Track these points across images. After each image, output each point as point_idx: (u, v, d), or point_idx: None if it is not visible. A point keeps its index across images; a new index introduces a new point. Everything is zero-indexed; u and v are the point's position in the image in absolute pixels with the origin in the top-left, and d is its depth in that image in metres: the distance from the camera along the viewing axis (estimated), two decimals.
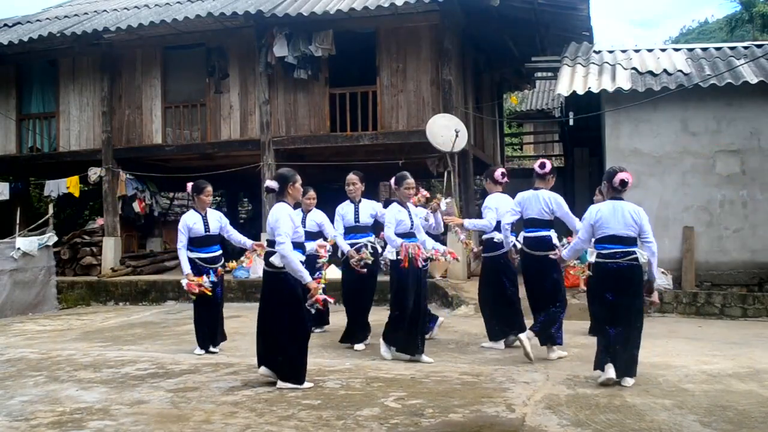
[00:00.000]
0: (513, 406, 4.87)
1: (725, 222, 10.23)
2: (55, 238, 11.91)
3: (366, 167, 12.72)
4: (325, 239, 7.13)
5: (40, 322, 10.15)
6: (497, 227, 6.96)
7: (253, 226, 15.88)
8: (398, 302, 6.44)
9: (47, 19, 14.59)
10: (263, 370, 5.64)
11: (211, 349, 7.08)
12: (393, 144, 12.30)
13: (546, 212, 6.65)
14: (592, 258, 5.65)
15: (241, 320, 9.43)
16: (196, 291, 6.75)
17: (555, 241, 6.61)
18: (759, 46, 11.33)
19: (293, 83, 12.38)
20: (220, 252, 7.13)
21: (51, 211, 12.38)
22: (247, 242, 6.98)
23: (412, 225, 6.50)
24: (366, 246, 7.29)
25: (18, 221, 12.17)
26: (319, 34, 11.88)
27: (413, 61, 11.99)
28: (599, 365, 5.50)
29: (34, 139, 14.20)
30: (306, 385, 5.48)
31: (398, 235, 6.44)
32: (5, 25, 14.48)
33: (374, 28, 12.12)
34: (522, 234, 6.74)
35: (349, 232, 7.42)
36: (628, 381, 5.43)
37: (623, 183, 5.54)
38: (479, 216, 7.76)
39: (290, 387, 5.42)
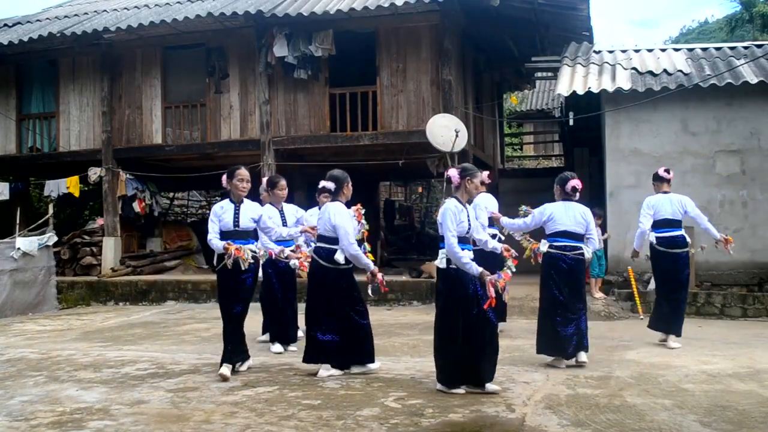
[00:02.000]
0: (513, 406, 4.87)
1: (725, 222, 10.22)
2: (55, 238, 11.91)
3: (366, 167, 12.77)
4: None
5: (40, 322, 10.15)
6: (490, 224, 7.36)
7: None
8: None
9: (47, 19, 14.59)
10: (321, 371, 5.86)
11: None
12: (393, 144, 12.30)
13: (679, 213, 7.31)
14: (544, 248, 6.30)
15: None
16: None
17: (688, 239, 7.32)
18: (759, 46, 11.33)
19: (293, 83, 12.38)
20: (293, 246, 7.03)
21: (51, 211, 12.38)
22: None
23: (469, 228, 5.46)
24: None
25: (18, 221, 12.18)
26: (319, 34, 11.88)
27: (413, 61, 11.99)
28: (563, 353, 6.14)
29: (34, 139, 14.20)
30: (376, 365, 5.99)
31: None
32: (5, 25, 14.48)
33: (374, 28, 12.12)
34: (654, 234, 7.34)
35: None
36: (583, 356, 6.19)
37: (574, 189, 6.33)
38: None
39: (363, 370, 5.89)
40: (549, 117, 22.26)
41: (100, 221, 13.89)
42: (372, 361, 5.98)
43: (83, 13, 14.47)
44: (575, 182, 6.33)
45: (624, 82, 10.39)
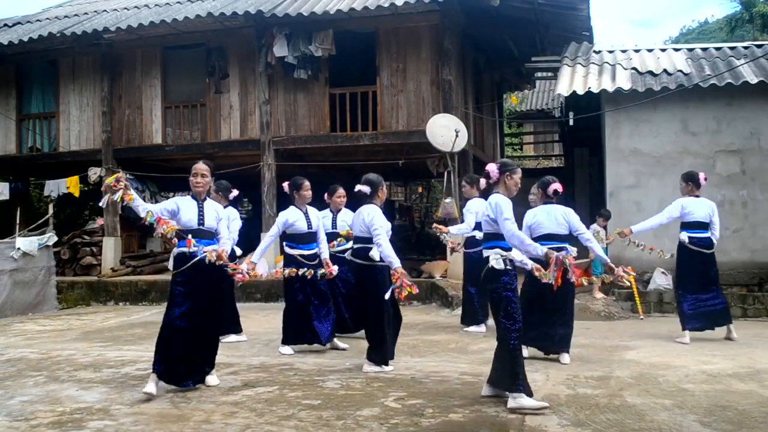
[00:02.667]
0: None
1: (725, 222, 10.18)
2: (55, 238, 11.91)
3: (366, 167, 12.77)
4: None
5: (40, 322, 10.14)
6: (477, 227, 7.52)
7: (253, 226, 15.87)
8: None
9: (47, 19, 14.59)
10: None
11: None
12: (393, 144, 12.30)
13: (709, 216, 7.75)
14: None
15: (242, 320, 9.42)
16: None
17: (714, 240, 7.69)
18: (759, 46, 11.33)
19: (293, 83, 12.38)
20: (317, 250, 7.07)
21: (51, 211, 12.38)
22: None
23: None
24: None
25: (18, 221, 12.18)
26: (319, 34, 11.88)
27: (413, 61, 11.99)
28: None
29: (34, 139, 14.20)
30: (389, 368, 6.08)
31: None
32: (5, 25, 14.49)
33: (374, 28, 12.13)
34: (687, 234, 7.71)
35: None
36: (566, 357, 6.32)
37: (555, 192, 6.51)
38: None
39: (376, 370, 5.98)
40: (549, 117, 22.27)
41: (100, 221, 13.89)
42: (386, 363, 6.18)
43: (83, 13, 14.48)
44: (556, 185, 6.52)
45: (624, 82, 10.39)
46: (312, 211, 7.18)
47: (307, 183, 7.12)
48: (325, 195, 7.97)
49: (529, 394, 4.78)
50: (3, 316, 10.57)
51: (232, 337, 7.79)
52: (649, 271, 10.24)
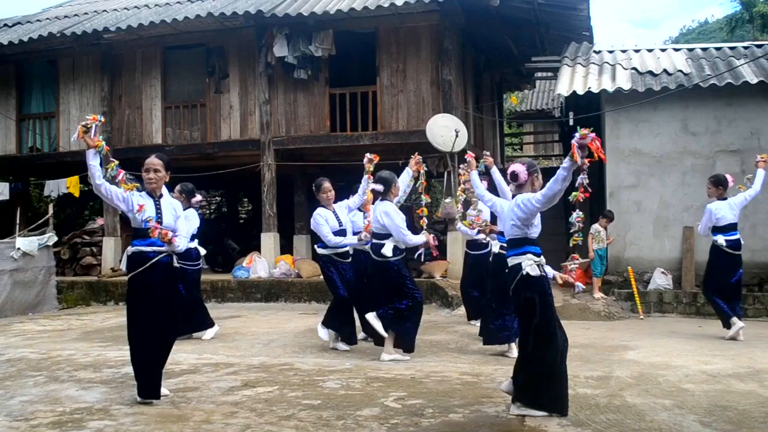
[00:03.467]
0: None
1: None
2: (55, 238, 11.90)
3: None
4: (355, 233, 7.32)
5: (40, 322, 10.14)
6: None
7: (253, 226, 15.89)
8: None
9: (47, 19, 14.59)
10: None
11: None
12: (393, 144, 12.30)
13: (737, 215, 7.83)
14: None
15: (242, 320, 9.44)
16: None
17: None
18: (759, 46, 11.33)
19: (293, 83, 12.38)
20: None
21: (51, 211, 12.37)
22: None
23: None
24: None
25: (18, 221, 12.17)
26: (319, 34, 11.88)
27: (413, 61, 11.99)
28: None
29: (34, 139, 14.20)
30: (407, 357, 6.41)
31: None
32: (5, 25, 14.48)
33: (374, 28, 12.13)
34: (723, 237, 7.72)
35: None
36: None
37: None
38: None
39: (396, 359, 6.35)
40: (549, 117, 22.26)
41: (100, 221, 13.89)
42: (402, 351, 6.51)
43: (83, 13, 14.48)
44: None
45: (624, 82, 10.39)
46: (339, 208, 7.34)
47: (327, 184, 7.27)
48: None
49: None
50: (3, 316, 10.57)
51: (210, 332, 7.92)
52: (649, 271, 10.24)
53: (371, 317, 6.37)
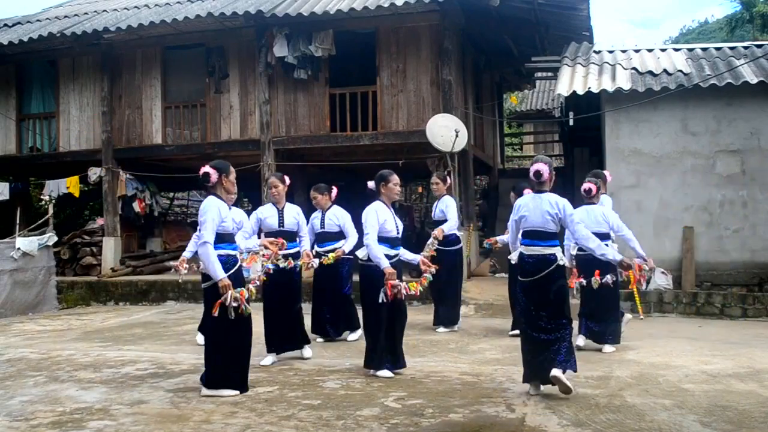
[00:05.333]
0: (513, 406, 4.87)
1: (725, 222, 10.23)
2: (55, 238, 11.91)
3: (366, 167, 12.76)
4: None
5: (40, 322, 10.15)
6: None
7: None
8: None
9: (47, 19, 14.58)
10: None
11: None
12: (393, 144, 12.30)
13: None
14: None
15: None
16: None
17: None
18: (759, 46, 11.32)
19: (293, 83, 12.38)
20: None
21: (51, 211, 12.38)
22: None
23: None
24: None
25: (18, 221, 12.17)
26: (319, 34, 11.88)
27: (413, 61, 11.98)
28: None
29: (34, 139, 14.19)
30: (386, 373, 5.84)
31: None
32: (5, 25, 14.47)
33: (374, 28, 12.12)
34: None
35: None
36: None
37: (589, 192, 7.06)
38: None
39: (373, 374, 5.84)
40: (549, 117, 22.26)
41: (100, 221, 13.88)
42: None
43: (83, 13, 14.46)
44: (586, 185, 7.13)
45: (624, 82, 10.39)
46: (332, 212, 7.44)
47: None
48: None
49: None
50: (3, 316, 10.57)
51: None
52: (648, 271, 10.23)
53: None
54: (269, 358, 6.54)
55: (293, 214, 7.02)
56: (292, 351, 6.74)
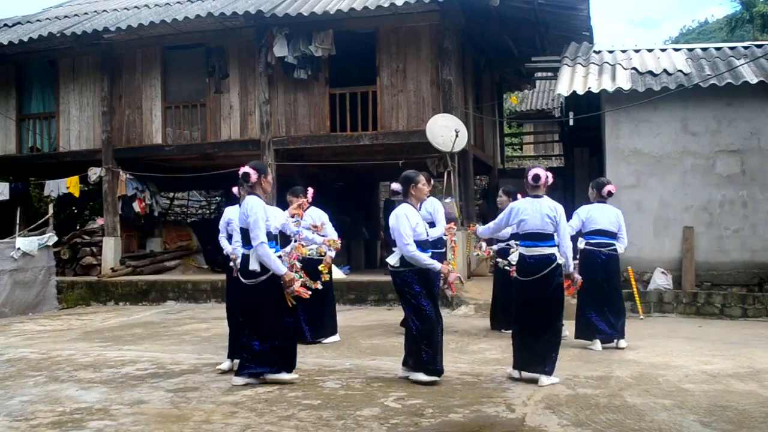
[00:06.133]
0: (513, 406, 4.87)
1: (725, 222, 10.23)
2: (55, 238, 11.91)
3: (366, 167, 12.78)
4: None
5: (40, 322, 10.15)
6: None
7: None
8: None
9: (47, 19, 14.58)
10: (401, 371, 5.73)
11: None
12: (393, 144, 12.30)
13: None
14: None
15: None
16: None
17: None
18: (759, 46, 11.32)
19: (293, 83, 12.38)
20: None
21: (51, 211, 12.38)
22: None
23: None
24: None
25: (18, 221, 12.17)
26: (319, 34, 11.88)
27: (413, 61, 11.99)
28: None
29: (34, 139, 14.19)
30: (432, 378, 5.52)
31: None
32: (5, 25, 14.48)
33: (374, 28, 12.12)
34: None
35: None
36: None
37: (609, 193, 7.28)
38: (484, 217, 7.95)
39: (425, 380, 5.49)
40: (549, 117, 22.25)
41: (100, 221, 13.89)
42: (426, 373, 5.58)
43: (83, 13, 14.47)
44: (611, 187, 7.32)
45: (624, 82, 10.39)
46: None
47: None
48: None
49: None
50: (3, 316, 10.57)
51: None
52: (649, 271, 10.24)
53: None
54: (227, 363, 6.23)
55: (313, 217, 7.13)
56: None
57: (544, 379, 5.50)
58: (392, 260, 5.65)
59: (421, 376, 5.52)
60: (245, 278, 5.59)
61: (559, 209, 5.67)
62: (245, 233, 5.60)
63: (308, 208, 7.62)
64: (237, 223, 6.00)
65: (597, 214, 7.15)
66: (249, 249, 5.57)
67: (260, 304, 5.56)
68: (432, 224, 7.78)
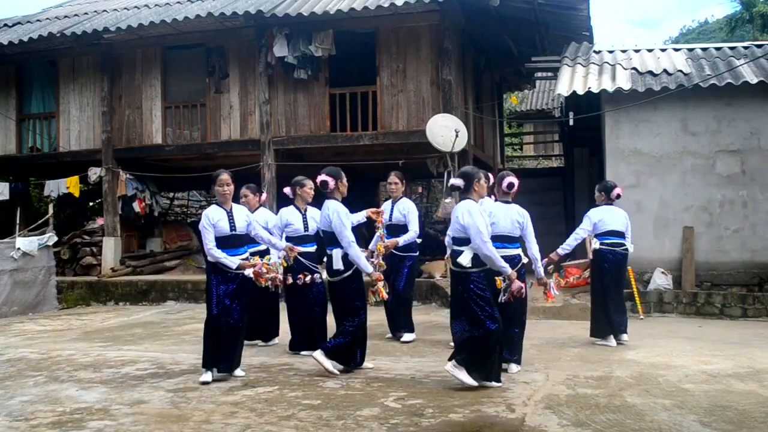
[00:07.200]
0: (513, 406, 4.87)
1: (725, 222, 10.23)
2: (55, 238, 11.91)
3: (366, 167, 12.77)
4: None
5: (40, 322, 10.15)
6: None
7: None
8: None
9: (47, 19, 14.58)
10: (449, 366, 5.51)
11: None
12: (393, 144, 12.29)
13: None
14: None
15: None
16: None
17: None
18: (759, 46, 11.32)
19: (293, 83, 12.38)
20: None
21: (51, 211, 12.38)
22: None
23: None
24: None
25: (18, 221, 12.17)
26: (319, 34, 11.88)
27: (413, 61, 11.98)
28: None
29: (34, 139, 14.19)
30: (495, 384, 5.38)
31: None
32: (5, 25, 14.48)
33: (374, 28, 12.12)
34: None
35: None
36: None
37: (618, 195, 7.53)
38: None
39: (470, 383, 5.31)
40: (549, 117, 22.25)
41: (100, 221, 13.89)
42: (488, 379, 5.42)
43: (83, 13, 14.46)
44: (619, 190, 7.63)
45: (624, 82, 10.39)
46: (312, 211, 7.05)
47: (309, 182, 6.98)
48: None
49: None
50: (3, 316, 10.57)
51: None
52: (649, 271, 10.24)
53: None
54: (209, 375, 5.84)
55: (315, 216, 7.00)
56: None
57: (514, 367, 5.98)
58: (465, 260, 5.35)
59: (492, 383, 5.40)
60: (330, 276, 6.03)
61: (526, 216, 6.12)
62: (328, 235, 6.01)
63: (258, 208, 7.54)
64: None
65: (608, 216, 7.44)
66: (332, 249, 5.98)
67: (342, 299, 5.99)
68: (402, 226, 7.76)
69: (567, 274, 9.71)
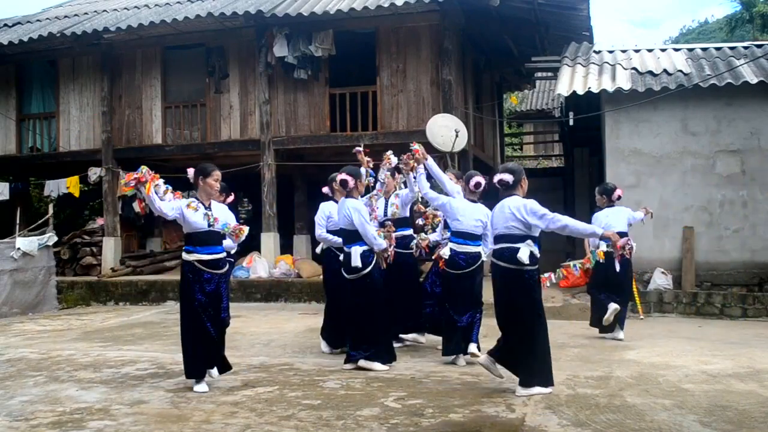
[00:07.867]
0: (513, 406, 4.87)
1: (725, 222, 10.23)
2: (55, 238, 11.90)
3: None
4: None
5: (40, 322, 10.15)
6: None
7: (253, 226, 15.85)
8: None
9: (47, 19, 14.59)
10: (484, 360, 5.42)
11: None
12: (393, 144, 12.20)
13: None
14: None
15: (242, 320, 9.44)
16: None
17: None
18: (759, 46, 11.32)
19: (293, 83, 12.38)
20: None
21: (51, 211, 12.38)
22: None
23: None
24: None
25: (18, 221, 12.17)
26: (319, 34, 11.88)
27: (413, 61, 11.99)
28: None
29: (34, 139, 14.20)
30: (549, 389, 5.15)
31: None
32: (5, 25, 14.48)
33: (374, 28, 12.13)
34: None
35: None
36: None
37: (619, 197, 7.61)
38: None
39: (535, 392, 5.08)
40: (549, 117, 22.26)
41: (100, 221, 13.89)
42: (543, 384, 5.18)
43: (83, 13, 14.47)
44: (620, 191, 7.76)
45: (624, 82, 10.39)
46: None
47: (216, 171, 6.17)
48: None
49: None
50: (3, 316, 10.57)
51: None
52: (649, 271, 10.24)
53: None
54: (204, 386, 5.51)
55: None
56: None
57: (473, 347, 6.21)
58: (524, 255, 5.08)
59: (538, 389, 5.14)
60: (348, 274, 6.12)
61: (490, 215, 5.87)
62: (346, 233, 6.12)
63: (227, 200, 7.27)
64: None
65: (613, 219, 7.51)
66: (350, 247, 6.06)
67: (361, 297, 6.06)
68: (402, 219, 7.71)
69: (567, 274, 9.70)
